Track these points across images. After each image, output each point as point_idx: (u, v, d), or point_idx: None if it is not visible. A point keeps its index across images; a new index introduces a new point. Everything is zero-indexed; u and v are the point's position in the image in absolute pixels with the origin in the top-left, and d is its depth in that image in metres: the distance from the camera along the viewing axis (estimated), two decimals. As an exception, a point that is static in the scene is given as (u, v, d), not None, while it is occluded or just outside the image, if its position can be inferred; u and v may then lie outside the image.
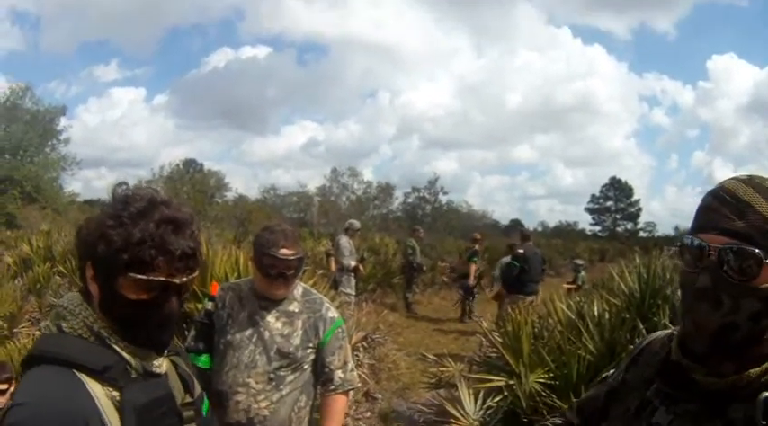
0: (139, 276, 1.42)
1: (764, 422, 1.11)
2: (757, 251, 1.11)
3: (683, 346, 1.22)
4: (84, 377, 1.39)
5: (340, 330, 3.07)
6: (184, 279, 1.48)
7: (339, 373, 3.00)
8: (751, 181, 1.18)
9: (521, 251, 11.11)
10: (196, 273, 1.52)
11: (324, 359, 3.00)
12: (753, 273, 1.11)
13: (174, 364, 1.64)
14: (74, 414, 1.33)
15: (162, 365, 1.56)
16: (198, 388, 1.70)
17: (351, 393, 3.34)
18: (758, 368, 1.15)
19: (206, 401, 1.78)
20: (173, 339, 1.61)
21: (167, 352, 1.60)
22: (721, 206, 1.17)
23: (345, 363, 3.05)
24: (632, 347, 1.49)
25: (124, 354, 1.46)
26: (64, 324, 1.48)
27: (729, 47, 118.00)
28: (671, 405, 1.23)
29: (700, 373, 1.17)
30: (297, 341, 2.94)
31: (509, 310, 9.42)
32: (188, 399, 1.62)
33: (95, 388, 1.39)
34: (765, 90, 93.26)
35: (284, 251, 2.87)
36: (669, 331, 1.41)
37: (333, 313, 3.08)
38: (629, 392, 1.37)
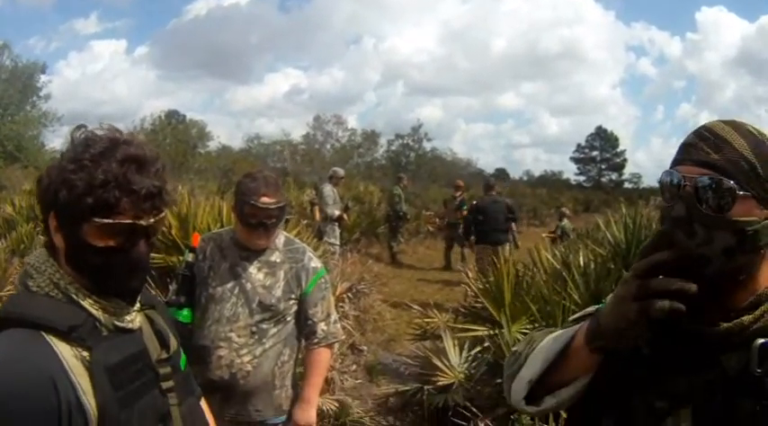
0: (105, 220, 1.35)
1: (759, 370, 1.11)
2: (732, 183, 1.12)
3: None
4: (52, 339, 1.33)
5: (323, 280, 3.02)
6: (152, 220, 1.41)
7: (322, 325, 2.96)
8: (732, 123, 1.20)
9: (474, 202, 11.34)
10: (163, 214, 1.46)
11: (306, 311, 2.95)
12: (727, 205, 1.12)
13: (150, 319, 1.58)
14: (39, 377, 1.27)
15: (135, 320, 1.50)
16: (174, 343, 1.63)
17: (335, 345, 3.31)
18: (750, 316, 1.15)
19: (183, 355, 1.72)
20: (144, 285, 1.55)
21: (142, 306, 1.55)
22: (700, 141, 1.19)
23: (329, 315, 3.01)
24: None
25: (93, 311, 1.40)
26: (30, 283, 1.42)
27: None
28: (659, 355, 1.21)
29: (688, 321, 1.14)
30: (278, 292, 2.89)
31: (482, 260, 9.66)
32: (164, 355, 1.56)
33: (63, 350, 1.33)
34: (753, 44, 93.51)
35: (265, 199, 2.79)
36: None
37: (315, 262, 3.02)
38: None
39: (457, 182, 15.86)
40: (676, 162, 1.21)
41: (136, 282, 1.47)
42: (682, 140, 1.24)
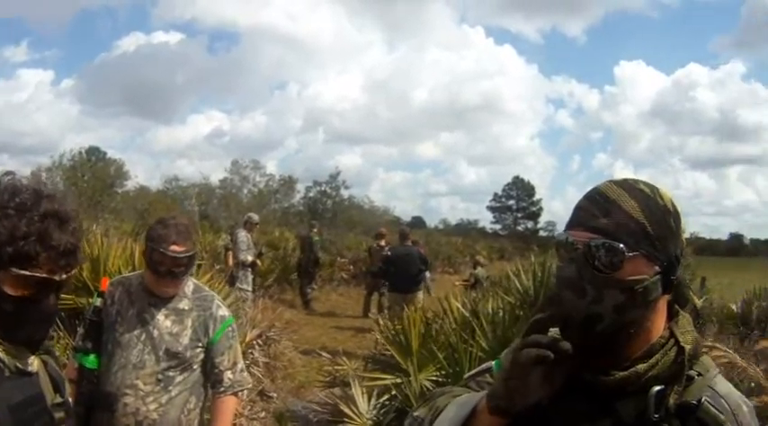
0: (22, 272, 1.38)
1: (656, 416, 1.16)
2: (620, 245, 1.16)
3: None
4: None
5: (230, 329, 3.01)
6: (64, 276, 1.45)
7: (229, 374, 2.95)
8: (623, 183, 1.25)
9: (388, 252, 11.46)
10: (74, 271, 1.50)
11: (213, 360, 2.94)
12: (615, 266, 1.16)
13: (45, 363, 1.60)
14: None
15: (34, 363, 1.52)
16: (67, 389, 1.66)
17: (244, 393, 3.30)
18: (645, 364, 1.20)
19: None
20: (47, 336, 1.59)
21: (38, 351, 1.56)
22: (590, 204, 1.23)
23: (235, 363, 3.00)
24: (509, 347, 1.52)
25: None
26: None
27: (638, 54, 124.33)
28: (557, 406, 1.23)
29: (585, 372, 1.20)
30: (185, 340, 2.87)
31: (394, 308, 9.76)
32: (58, 399, 1.59)
33: None
34: (668, 96, 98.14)
35: (174, 247, 2.75)
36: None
37: (223, 311, 3.01)
38: None
39: (380, 230, 15.76)
40: (570, 225, 1.25)
41: (42, 333, 1.51)
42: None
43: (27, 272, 1.39)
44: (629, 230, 1.18)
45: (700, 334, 1.32)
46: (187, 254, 2.80)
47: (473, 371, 1.47)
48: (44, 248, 1.39)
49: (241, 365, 3.06)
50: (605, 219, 1.19)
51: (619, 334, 1.20)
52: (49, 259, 1.40)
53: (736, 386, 1.32)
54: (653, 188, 1.25)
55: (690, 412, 1.16)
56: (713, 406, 1.18)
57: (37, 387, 1.52)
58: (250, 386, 3.10)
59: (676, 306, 1.28)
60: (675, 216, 1.24)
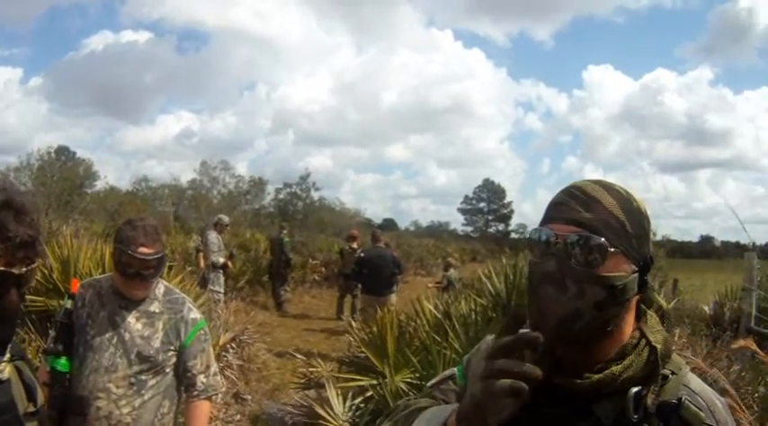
0: None
1: (636, 417, 1.16)
2: (603, 240, 1.17)
3: None
4: None
5: (202, 332, 2.99)
6: (23, 269, 1.36)
7: (202, 378, 2.94)
8: (599, 182, 1.25)
9: (361, 254, 11.48)
10: (35, 265, 1.41)
11: (186, 363, 2.92)
12: (597, 262, 1.16)
13: (19, 370, 1.54)
14: None
15: (4, 370, 1.46)
16: (41, 397, 1.59)
17: (219, 396, 3.28)
18: (620, 366, 1.19)
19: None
20: (13, 336, 1.49)
21: (11, 357, 1.50)
22: (570, 199, 1.23)
23: (208, 367, 2.98)
24: (466, 356, 1.48)
25: None
26: None
27: (606, 58, 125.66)
28: (531, 412, 1.20)
29: (558, 376, 1.20)
30: (157, 343, 2.85)
31: (367, 310, 9.78)
32: (30, 408, 1.53)
33: None
34: (636, 100, 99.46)
35: (143, 249, 2.73)
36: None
37: (195, 314, 2.99)
38: None
39: (352, 233, 15.68)
40: (548, 220, 1.24)
41: (6, 332, 1.43)
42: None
43: None
44: (610, 226, 1.18)
45: (670, 336, 1.33)
46: (156, 256, 2.78)
47: (436, 379, 1.46)
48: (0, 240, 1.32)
49: (214, 368, 3.05)
50: (588, 214, 1.19)
51: (595, 333, 1.19)
52: (5, 250, 1.33)
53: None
54: (626, 190, 1.26)
55: (671, 411, 1.17)
56: (692, 404, 1.19)
57: (8, 395, 1.46)
58: (224, 389, 3.08)
59: (643, 307, 1.29)
60: (647, 218, 1.25)
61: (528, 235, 1.28)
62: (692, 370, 1.29)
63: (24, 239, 1.36)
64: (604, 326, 1.20)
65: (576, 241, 1.17)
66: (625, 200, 1.23)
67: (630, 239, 1.20)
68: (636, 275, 1.21)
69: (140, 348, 2.82)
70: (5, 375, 1.47)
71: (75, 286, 2.90)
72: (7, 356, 1.48)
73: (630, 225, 1.20)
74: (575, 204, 1.22)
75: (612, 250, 1.17)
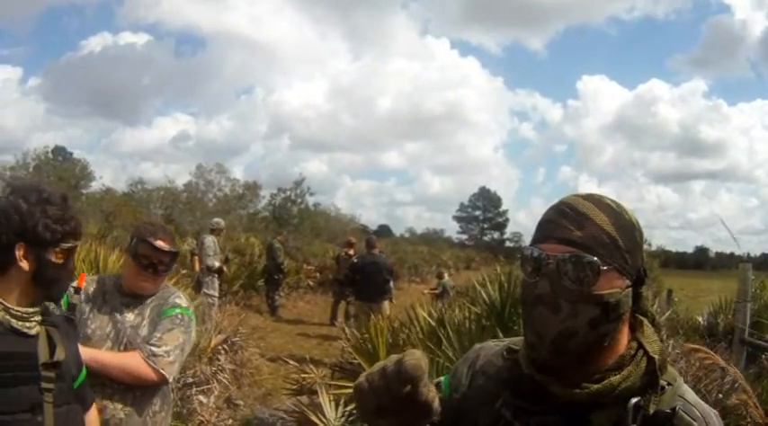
0: (67, 245, 1.90)
1: None
2: (595, 259, 1.16)
3: (532, 359, 1.24)
4: None
5: (178, 315, 2.90)
6: (77, 243, 2.00)
7: (152, 348, 2.77)
8: (590, 198, 1.25)
9: (355, 260, 11.45)
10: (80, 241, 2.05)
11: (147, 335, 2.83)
12: (590, 281, 1.16)
13: (49, 334, 1.90)
14: None
15: (33, 328, 1.86)
16: (62, 355, 1.90)
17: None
18: (618, 376, 1.20)
19: (83, 373, 2.09)
20: (62, 297, 2.28)
21: (45, 321, 1.91)
22: (561, 218, 1.22)
23: (165, 343, 2.81)
24: (460, 360, 1.49)
25: None
26: None
27: (600, 69, 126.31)
28: (526, 419, 1.24)
29: (556, 386, 1.20)
30: (144, 331, 2.85)
31: (360, 317, 9.77)
32: (49, 361, 1.86)
33: None
34: (630, 110, 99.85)
35: (160, 242, 2.89)
36: (503, 343, 1.43)
37: (180, 300, 2.96)
38: (474, 407, 1.36)
39: (349, 239, 15.62)
40: (539, 239, 1.24)
41: (59, 292, 2.00)
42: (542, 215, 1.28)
43: (70, 244, 1.91)
44: (602, 243, 1.18)
45: (665, 346, 1.33)
46: (171, 251, 2.93)
47: None
48: (69, 225, 1.91)
49: (172, 353, 2.84)
50: (579, 232, 1.19)
51: (591, 348, 1.19)
52: (69, 232, 1.91)
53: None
54: (617, 203, 1.25)
55: (666, 420, 1.17)
56: (687, 414, 1.19)
57: (32, 347, 1.84)
58: (171, 378, 2.92)
59: (639, 316, 1.29)
60: (639, 230, 1.25)
61: (521, 252, 1.27)
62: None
63: (77, 222, 1.95)
64: (600, 342, 1.20)
65: (567, 259, 1.17)
66: (617, 215, 1.22)
67: (623, 254, 1.20)
68: (629, 289, 1.21)
69: (130, 337, 2.84)
70: (33, 331, 1.86)
71: (82, 280, 2.93)
72: (38, 318, 1.89)
73: (623, 240, 1.20)
74: (566, 222, 1.21)
75: (605, 267, 1.17)
